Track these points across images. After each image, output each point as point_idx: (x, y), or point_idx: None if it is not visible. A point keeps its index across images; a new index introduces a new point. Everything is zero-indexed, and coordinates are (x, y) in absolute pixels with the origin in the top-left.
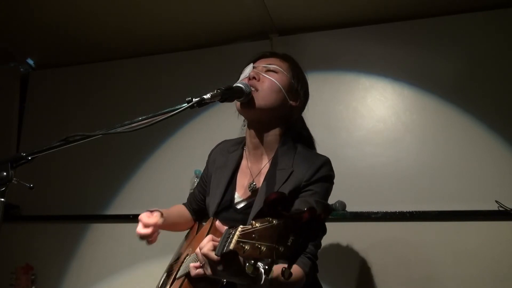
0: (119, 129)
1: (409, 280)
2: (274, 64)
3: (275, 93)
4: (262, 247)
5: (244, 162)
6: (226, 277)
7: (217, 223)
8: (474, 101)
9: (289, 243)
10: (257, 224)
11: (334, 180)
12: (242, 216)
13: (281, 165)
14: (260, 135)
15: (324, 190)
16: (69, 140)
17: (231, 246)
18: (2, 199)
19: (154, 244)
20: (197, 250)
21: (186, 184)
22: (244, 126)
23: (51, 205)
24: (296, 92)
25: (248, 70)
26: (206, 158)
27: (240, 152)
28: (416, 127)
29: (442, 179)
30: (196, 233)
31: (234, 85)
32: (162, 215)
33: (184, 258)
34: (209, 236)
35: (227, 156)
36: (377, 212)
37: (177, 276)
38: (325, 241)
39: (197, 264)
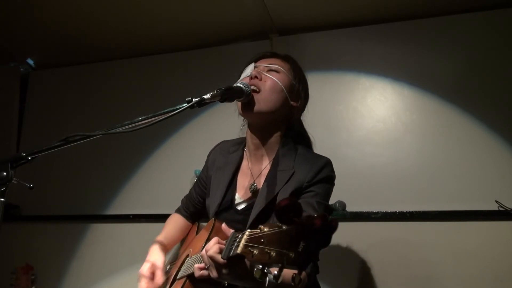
0: (119, 129)
1: (409, 280)
2: (275, 64)
3: (277, 93)
4: (272, 252)
5: (244, 163)
6: (231, 280)
7: (223, 225)
8: (474, 101)
9: (299, 249)
10: (265, 229)
11: (334, 182)
12: (242, 217)
13: (282, 166)
14: (261, 136)
15: (325, 191)
16: (69, 140)
17: (239, 250)
18: (2, 199)
19: None
20: (203, 252)
21: (186, 184)
22: (244, 126)
23: (51, 205)
24: (297, 93)
25: (249, 70)
26: (206, 158)
27: (240, 152)
28: (416, 127)
29: (442, 179)
30: (196, 234)
31: (234, 85)
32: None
33: (184, 259)
34: (215, 239)
35: (227, 156)
36: (377, 212)
37: (178, 276)
38: None
39: (202, 265)
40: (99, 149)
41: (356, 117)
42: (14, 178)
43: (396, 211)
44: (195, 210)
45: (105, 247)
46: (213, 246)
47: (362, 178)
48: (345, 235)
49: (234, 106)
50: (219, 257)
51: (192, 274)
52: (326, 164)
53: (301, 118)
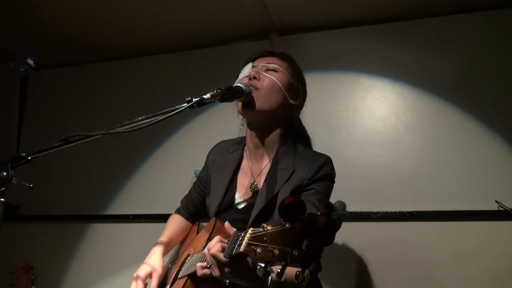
0: (119, 129)
1: (409, 280)
2: (273, 63)
3: (276, 92)
4: (275, 250)
5: (244, 162)
6: (233, 279)
7: (226, 224)
8: (474, 101)
9: (303, 247)
10: (268, 227)
11: (334, 180)
12: (243, 216)
13: (282, 165)
14: (261, 135)
15: (325, 189)
16: (69, 140)
17: (241, 248)
18: (2, 199)
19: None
20: (205, 250)
21: (186, 184)
22: (242, 125)
23: (51, 205)
24: (296, 91)
25: (247, 69)
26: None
27: (240, 152)
28: (416, 127)
29: (442, 179)
30: (197, 234)
31: (234, 85)
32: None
33: (185, 259)
34: (218, 237)
35: (227, 156)
36: (377, 212)
37: (179, 276)
38: None
39: (204, 264)
40: (99, 149)
41: (356, 117)
42: (14, 178)
43: (396, 211)
44: (196, 210)
45: (105, 247)
46: (215, 245)
47: (362, 178)
48: (345, 235)
49: (234, 106)
50: (221, 256)
51: (193, 273)
52: (326, 162)
53: (301, 117)
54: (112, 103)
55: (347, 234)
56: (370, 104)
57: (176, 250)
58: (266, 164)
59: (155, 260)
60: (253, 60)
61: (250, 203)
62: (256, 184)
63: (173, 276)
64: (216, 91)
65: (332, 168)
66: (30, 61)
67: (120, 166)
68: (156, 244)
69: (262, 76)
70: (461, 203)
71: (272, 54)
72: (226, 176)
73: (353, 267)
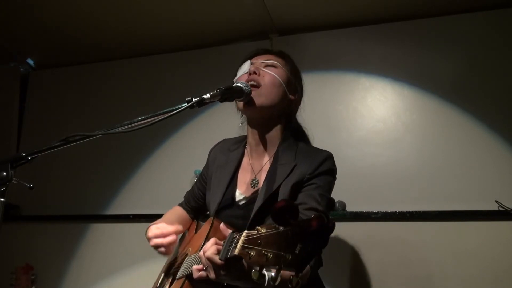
0: (119, 129)
1: (409, 280)
2: (271, 59)
3: (276, 87)
4: (269, 254)
5: (245, 159)
6: (229, 281)
7: (222, 225)
8: (474, 101)
9: (297, 251)
10: (262, 230)
11: (336, 176)
12: (243, 212)
13: (283, 160)
14: (262, 131)
15: (327, 184)
16: (69, 140)
17: (236, 251)
18: (2, 199)
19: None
20: (201, 253)
21: (186, 184)
22: (242, 123)
23: (51, 205)
24: (294, 87)
25: (246, 66)
26: (206, 158)
27: (241, 150)
28: (416, 127)
29: (442, 179)
30: (195, 233)
31: (234, 84)
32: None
33: (183, 258)
34: (213, 239)
35: (228, 154)
36: (377, 212)
37: (177, 276)
38: None
39: (200, 266)
40: (99, 149)
41: (356, 117)
42: (14, 178)
43: (396, 211)
44: (197, 205)
45: (105, 247)
46: (210, 247)
47: (362, 178)
48: (345, 235)
49: (234, 106)
50: (217, 258)
51: (191, 274)
52: (327, 157)
53: (301, 116)
54: (112, 103)
55: (347, 234)
56: (370, 104)
57: (175, 249)
58: (267, 160)
59: (154, 225)
60: (250, 58)
61: (251, 199)
62: (257, 180)
63: (172, 276)
64: (216, 91)
65: (334, 164)
66: (30, 61)
67: (120, 166)
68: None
69: (262, 72)
70: (461, 203)
71: (268, 52)
72: (227, 173)
73: (353, 267)
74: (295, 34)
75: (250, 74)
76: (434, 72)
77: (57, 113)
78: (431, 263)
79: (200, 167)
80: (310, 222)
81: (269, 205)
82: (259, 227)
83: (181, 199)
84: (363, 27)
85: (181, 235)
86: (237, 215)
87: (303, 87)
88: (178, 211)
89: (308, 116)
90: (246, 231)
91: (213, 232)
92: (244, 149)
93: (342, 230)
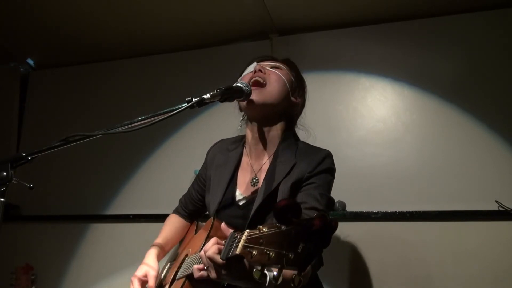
0: (119, 129)
1: (409, 280)
2: (276, 63)
3: (281, 85)
4: (271, 253)
5: (245, 159)
6: (230, 280)
7: (223, 225)
8: (474, 101)
9: (299, 250)
10: (264, 229)
11: (334, 180)
12: (243, 212)
13: (283, 159)
14: (262, 130)
15: (327, 183)
16: (69, 140)
17: (237, 250)
18: (2, 199)
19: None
20: (202, 252)
21: (186, 184)
22: (240, 126)
23: (51, 205)
24: (298, 90)
25: (252, 67)
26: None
27: (240, 149)
28: (416, 127)
29: (442, 179)
30: (195, 233)
31: (234, 84)
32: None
33: (183, 258)
34: (214, 239)
35: (227, 154)
36: (377, 212)
37: (177, 276)
38: None
39: (201, 266)
40: (99, 149)
41: (356, 117)
42: (14, 178)
43: (396, 211)
44: (195, 208)
45: (105, 247)
46: (212, 247)
47: (362, 178)
48: (345, 235)
49: (234, 106)
50: (218, 258)
51: (191, 274)
52: (327, 156)
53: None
54: (112, 103)
55: (347, 234)
56: (370, 104)
57: (175, 250)
58: (266, 159)
59: (150, 261)
60: (257, 61)
61: (251, 198)
62: (257, 179)
63: (172, 276)
64: (216, 91)
65: (333, 163)
66: (30, 61)
67: (120, 166)
68: (151, 246)
69: (267, 71)
70: (461, 203)
71: (273, 58)
72: (227, 173)
73: (353, 267)
74: (295, 34)
75: (255, 72)
76: (434, 72)
77: (57, 113)
78: (431, 263)
79: (200, 167)
80: (313, 221)
81: (268, 204)
82: (260, 226)
83: (179, 199)
84: (363, 27)
85: None
86: (237, 215)
87: (306, 95)
88: (175, 223)
89: (308, 116)
90: (247, 230)
91: (213, 232)
92: (243, 149)
93: (342, 230)
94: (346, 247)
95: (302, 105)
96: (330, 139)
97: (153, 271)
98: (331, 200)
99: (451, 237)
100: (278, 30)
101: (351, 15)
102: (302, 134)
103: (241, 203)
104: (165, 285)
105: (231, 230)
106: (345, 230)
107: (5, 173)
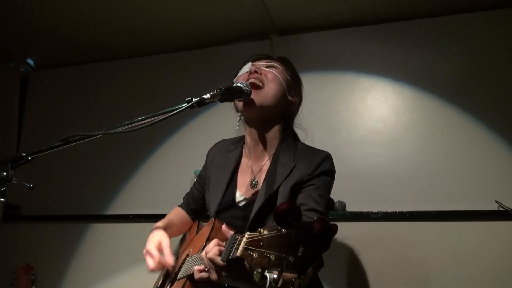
0: (119, 129)
1: (409, 280)
2: (272, 62)
3: (278, 85)
4: (271, 256)
5: (244, 160)
6: (231, 282)
7: (224, 226)
8: (474, 101)
9: (299, 254)
10: (265, 232)
11: (335, 177)
12: (243, 213)
13: (282, 161)
14: (261, 132)
15: (326, 185)
16: (69, 140)
17: (238, 253)
18: (2, 199)
19: None
20: (203, 254)
21: (186, 184)
22: (238, 126)
23: (51, 205)
24: (294, 89)
25: (247, 67)
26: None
27: (239, 150)
28: (416, 127)
29: (442, 179)
30: (196, 233)
31: (234, 85)
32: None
33: (184, 259)
34: (215, 241)
35: (227, 155)
36: (377, 212)
37: (178, 277)
38: None
39: (202, 267)
40: (99, 149)
41: (356, 117)
42: (14, 178)
43: (396, 211)
44: (197, 207)
45: (105, 247)
46: (212, 248)
47: (362, 178)
48: (345, 235)
49: (233, 107)
50: (218, 260)
51: (192, 275)
52: (326, 158)
53: (299, 118)
54: (112, 103)
55: (347, 234)
56: (370, 104)
57: (176, 250)
58: (266, 161)
59: (160, 236)
60: (252, 61)
61: (251, 200)
62: (257, 181)
63: (173, 276)
64: (216, 91)
65: (332, 164)
66: (30, 61)
67: (120, 166)
68: (154, 228)
69: (263, 71)
70: (461, 203)
71: (269, 57)
72: (226, 174)
73: (353, 267)
74: (295, 34)
75: (251, 73)
76: (434, 72)
77: (57, 113)
78: (431, 263)
79: (200, 167)
80: (313, 224)
81: (268, 206)
82: (261, 229)
83: (181, 199)
84: (363, 27)
85: (181, 235)
86: (237, 216)
87: (303, 93)
88: (179, 212)
89: (308, 116)
90: (248, 232)
91: (214, 233)
92: (242, 150)
93: (342, 230)
94: (346, 247)
95: (299, 103)
96: (330, 139)
97: (166, 240)
98: (330, 202)
99: (451, 237)
100: (278, 30)
101: (351, 15)
102: (300, 134)
103: (241, 204)
104: (166, 285)
105: (232, 232)
106: (345, 230)
107: (5, 173)
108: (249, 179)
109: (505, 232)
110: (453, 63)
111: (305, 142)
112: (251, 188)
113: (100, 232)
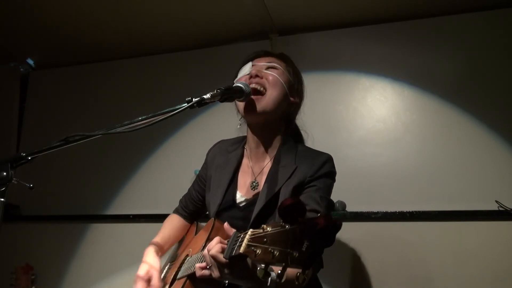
0: (119, 129)
1: (409, 280)
2: (272, 62)
3: (279, 89)
4: (275, 252)
5: (245, 161)
6: (233, 279)
7: (226, 225)
8: (474, 101)
9: (303, 249)
10: (268, 228)
11: (335, 178)
12: (244, 214)
13: (284, 163)
14: (262, 134)
15: (327, 186)
16: (69, 140)
17: (241, 249)
18: (2, 199)
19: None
20: (205, 251)
21: (186, 184)
22: (240, 125)
23: (51, 205)
24: (295, 88)
25: (247, 68)
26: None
27: (240, 151)
28: (416, 127)
29: (442, 179)
30: (195, 234)
31: (234, 85)
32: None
33: (184, 259)
34: (217, 238)
35: (227, 155)
36: (377, 212)
37: (178, 276)
38: None
39: (203, 265)
40: (99, 149)
41: (356, 117)
42: (14, 178)
43: (396, 211)
44: (195, 209)
45: (105, 247)
46: (215, 246)
47: (362, 178)
48: (345, 235)
49: (234, 106)
50: (221, 257)
51: (193, 274)
52: (327, 160)
53: (300, 117)
54: (112, 103)
55: (347, 234)
56: (370, 104)
57: (174, 250)
58: (267, 162)
59: (151, 259)
60: (252, 60)
61: (251, 201)
62: (257, 183)
63: (172, 276)
64: (216, 91)
65: (333, 166)
66: (30, 61)
67: (120, 166)
68: (149, 244)
69: (264, 74)
70: (461, 203)
71: (269, 54)
72: (227, 175)
73: (353, 267)
74: (295, 34)
75: (251, 77)
76: (434, 72)
77: (57, 113)
78: (431, 263)
79: (200, 167)
80: (318, 219)
81: (269, 207)
82: (264, 226)
83: (180, 199)
84: (363, 27)
85: None
86: (237, 217)
87: (304, 91)
88: (174, 223)
89: (308, 116)
90: (251, 229)
91: (214, 232)
92: (243, 150)
93: (342, 230)
94: (346, 247)
95: (301, 101)
96: (330, 139)
97: (155, 270)
98: (331, 203)
99: (451, 237)
100: (278, 30)
101: (351, 15)
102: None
103: (241, 205)
104: (165, 285)
105: (233, 230)
106: (345, 230)
107: (5, 173)
108: (249, 180)
109: (505, 232)
110: (453, 63)
111: (306, 143)
112: (252, 189)
113: (100, 232)
